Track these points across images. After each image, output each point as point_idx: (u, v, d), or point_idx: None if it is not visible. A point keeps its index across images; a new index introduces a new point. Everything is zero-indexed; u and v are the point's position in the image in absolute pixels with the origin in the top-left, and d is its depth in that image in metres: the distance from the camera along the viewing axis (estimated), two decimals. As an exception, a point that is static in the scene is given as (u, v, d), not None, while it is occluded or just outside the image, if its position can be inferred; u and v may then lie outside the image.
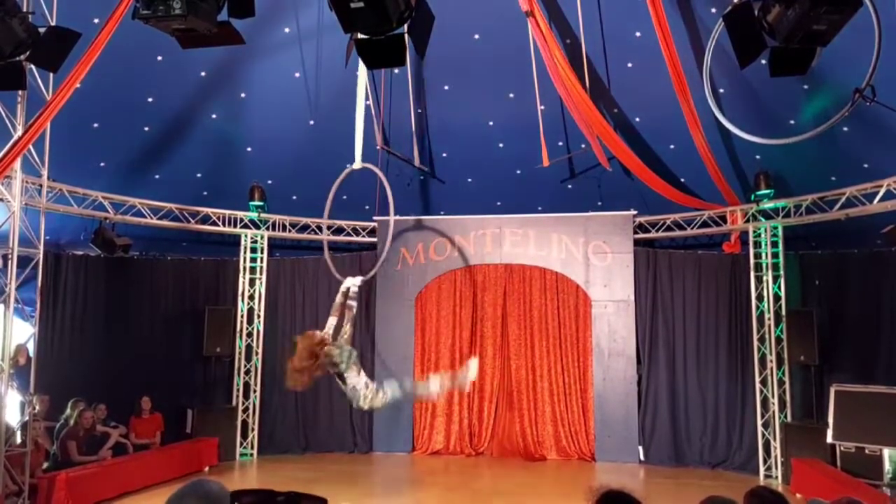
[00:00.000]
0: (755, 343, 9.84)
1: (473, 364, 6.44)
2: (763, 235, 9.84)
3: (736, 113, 8.13)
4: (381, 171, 9.01)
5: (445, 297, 11.29)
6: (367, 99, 8.99)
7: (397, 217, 11.27)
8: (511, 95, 9.54)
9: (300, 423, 11.18)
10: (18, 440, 7.65)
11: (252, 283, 11.12)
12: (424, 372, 11.21)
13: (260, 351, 11.03)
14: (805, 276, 9.97)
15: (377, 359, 11.22)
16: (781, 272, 9.71)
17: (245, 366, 10.88)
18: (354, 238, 11.64)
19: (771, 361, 9.66)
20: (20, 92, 6.95)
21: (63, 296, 9.94)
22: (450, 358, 11.21)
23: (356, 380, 5.94)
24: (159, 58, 8.20)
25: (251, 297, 11.10)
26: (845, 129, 7.84)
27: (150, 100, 8.82)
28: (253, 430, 10.81)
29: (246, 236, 11.04)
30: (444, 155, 10.53)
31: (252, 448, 10.77)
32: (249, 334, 11.00)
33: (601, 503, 2.28)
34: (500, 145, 10.32)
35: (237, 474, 9.78)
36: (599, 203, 10.91)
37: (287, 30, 8.70)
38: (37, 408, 7.98)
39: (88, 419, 8.65)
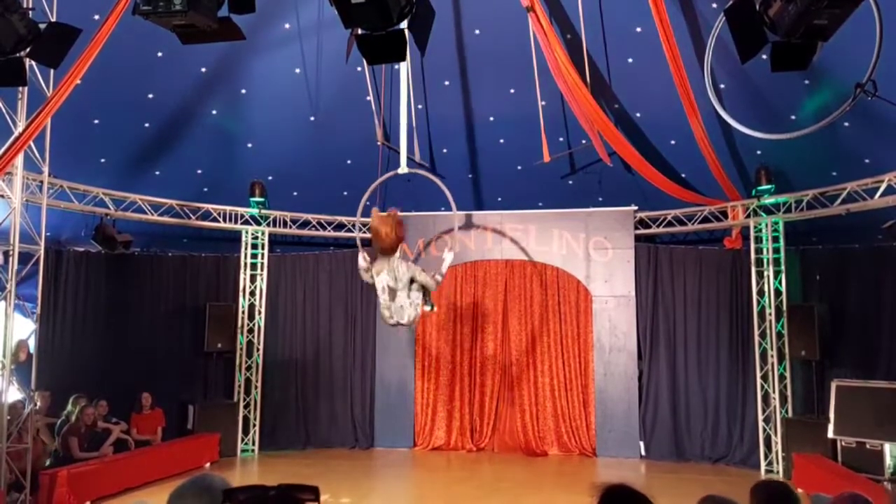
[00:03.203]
0: (756, 338, 9.85)
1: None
2: (764, 231, 9.84)
3: (737, 108, 8.13)
4: (381, 167, 9.00)
5: (446, 293, 11.28)
6: (367, 95, 8.97)
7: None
8: (512, 91, 9.52)
9: (301, 418, 11.20)
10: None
11: (253, 279, 11.14)
12: (425, 368, 11.25)
13: (261, 347, 11.05)
14: (806, 271, 9.97)
15: (378, 355, 11.26)
16: (782, 267, 9.71)
17: (246, 362, 10.90)
18: (355, 234, 11.62)
19: (772, 356, 9.67)
20: (20, 88, 6.94)
21: (64, 292, 9.93)
22: (451, 353, 11.22)
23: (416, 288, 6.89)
24: (159, 54, 8.19)
25: (252, 294, 11.11)
26: (846, 124, 7.83)
27: (150, 96, 8.81)
28: (254, 425, 10.83)
29: (247, 232, 11.04)
30: (445, 151, 10.51)
31: (253, 444, 10.79)
32: (250, 330, 11.02)
33: (605, 498, 2.28)
34: (501, 141, 10.31)
35: (238, 470, 9.80)
36: (600, 199, 10.90)
37: (287, 26, 8.69)
38: (38, 404, 7.99)
39: (90, 415, 8.67)
